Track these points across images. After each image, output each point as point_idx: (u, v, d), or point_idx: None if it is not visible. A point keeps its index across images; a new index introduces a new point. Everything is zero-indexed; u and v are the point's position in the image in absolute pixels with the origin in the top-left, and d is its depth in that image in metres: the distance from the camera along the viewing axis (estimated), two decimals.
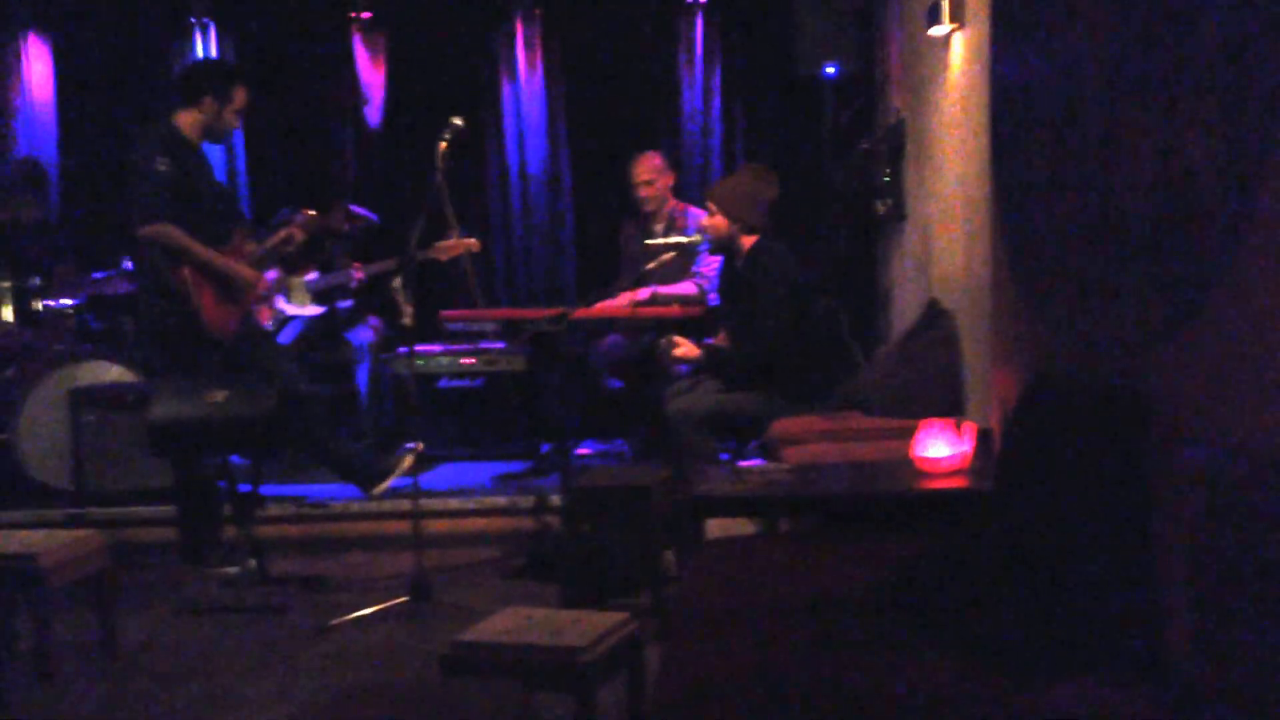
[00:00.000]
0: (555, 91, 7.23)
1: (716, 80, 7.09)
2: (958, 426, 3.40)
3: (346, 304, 6.48)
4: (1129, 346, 2.34)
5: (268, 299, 5.50)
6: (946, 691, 2.05)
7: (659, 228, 6.18)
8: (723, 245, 5.08)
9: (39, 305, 6.00)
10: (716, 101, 7.10)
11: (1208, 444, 2.02)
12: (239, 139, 7.11)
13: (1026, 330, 3.09)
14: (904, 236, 5.59)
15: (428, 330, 5.99)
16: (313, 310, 6.43)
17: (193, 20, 7.23)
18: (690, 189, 6.67)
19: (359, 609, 4.24)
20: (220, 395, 4.54)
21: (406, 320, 4.39)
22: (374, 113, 7.30)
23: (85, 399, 5.61)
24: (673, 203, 6.26)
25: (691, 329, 5.58)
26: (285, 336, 6.32)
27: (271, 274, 5.54)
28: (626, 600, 4.21)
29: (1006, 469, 2.59)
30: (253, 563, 4.65)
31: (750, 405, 4.80)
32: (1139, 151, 2.28)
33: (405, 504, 5.07)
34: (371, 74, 7.29)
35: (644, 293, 5.85)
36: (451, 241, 5.63)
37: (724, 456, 5.18)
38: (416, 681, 3.47)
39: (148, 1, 7.21)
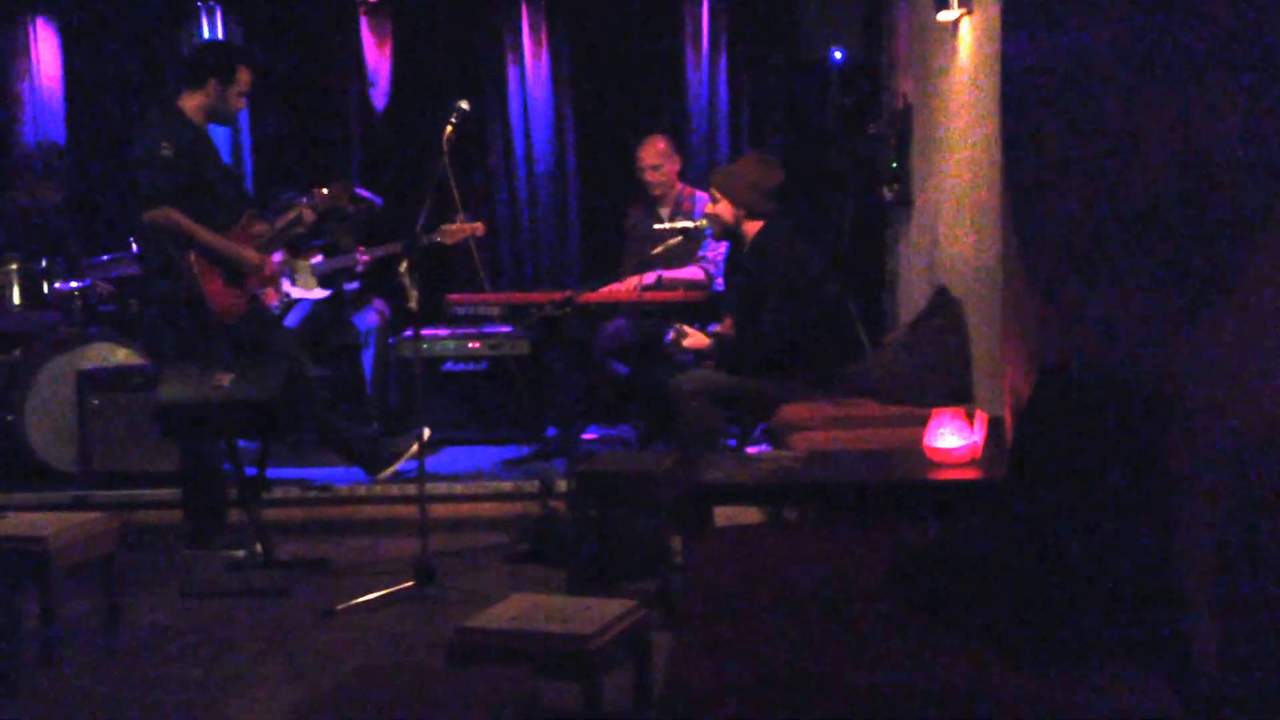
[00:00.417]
0: (561, 75, 7.20)
1: (722, 64, 7.05)
2: (969, 415, 3.39)
3: (352, 287, 6.47)
4: (1146, 334, 2.32)
5: (274, 281, 5.49)
6: (961, 683, 2.04)
7: (665, 212, 6.16)
8: (727, 232, 5.07)
9: (46, 287, 5.99)
10: (722, 86, 7.06)
11: (1231, 434, 2.01)
12: (244, 121, 7.09)
13: (1038, 318, 3.07)
14: (910, 222, 5.57)
15: (433, 314, 5.98)
16: (318, 293, 6.42)
17: (199, 3, 7.20)
18: (696, 173, 6.64)
19: (364, 593, 4.23)
20: (227, 378, 4.54)
21: (412, 304, 4.38)
22: (379, 96, 7.27)
23: (92, 381, 5.61)
24: (679, 187, 6.24)
25: (697, 314, 5.58)
26: (291, 320, 6.31)
27: (277, 257, 5.53)
28: (632, 586, 4.21)
29: (1020, 458, 2.58)
30: (258, 546, 4.65)
31: (757, 391, 4.79)
32: (1156, 135, 2.26)
33: (410, 488, 5.07)
34: (377, 57, 7.26)
35: (650, 277, 5.83)
36: (457, 225, 5.62)
37: (731, 443, 5.17)
38: (423, 667, 3.47)
39: None
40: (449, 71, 7.13)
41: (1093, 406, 2.37)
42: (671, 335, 5.10)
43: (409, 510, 4.84)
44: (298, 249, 6.20)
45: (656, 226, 5.66)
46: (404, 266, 4.39)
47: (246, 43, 7.14)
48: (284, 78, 7.12)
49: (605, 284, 5.57)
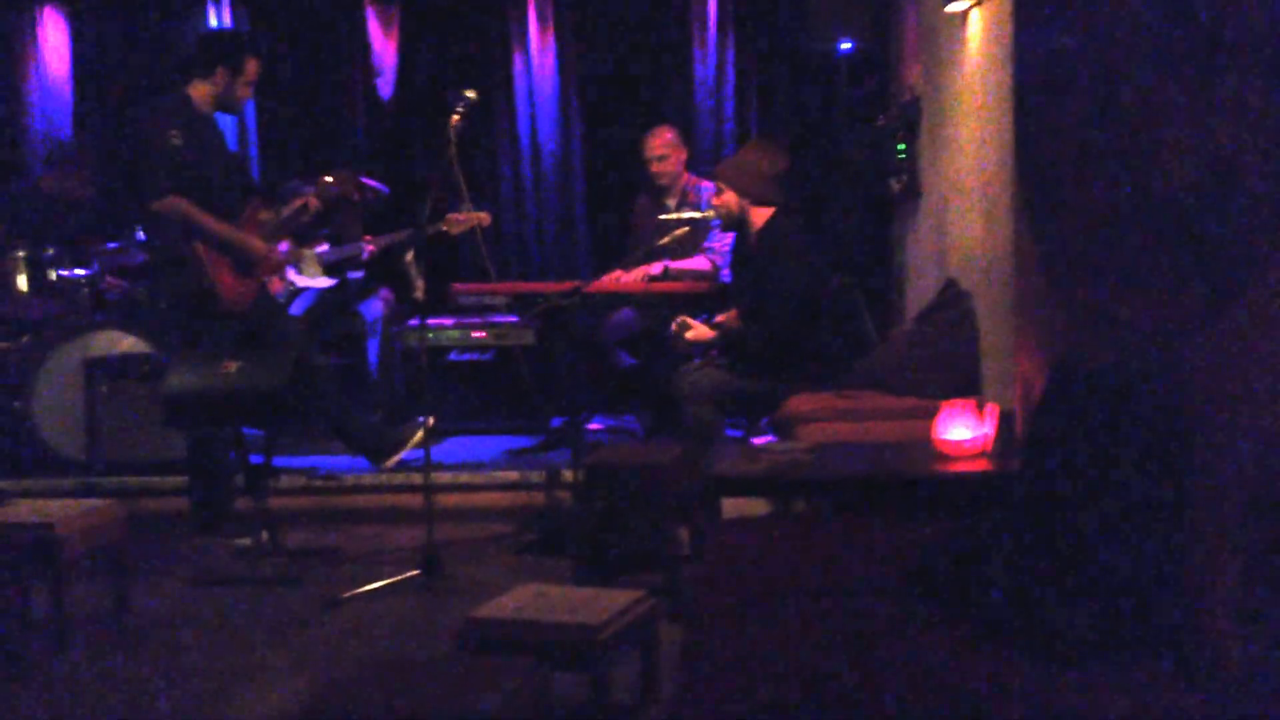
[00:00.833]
0: (568, 64, 7.19)
1: (730, 55, 7.03)
2: (979, 408, 3.38)
3: (357, 276, 6.46)
4: (1163, 331, 2.31)
5: (279, 270, 5.48)
6: (977, 678, 2.04)
7: (672, 202, 6.15)
8: (734, 222, 5.05)
9: (53, 275, 5.99)
10: (729, 76, 7.04)
11: (1252, 431, 2.00)
12: (250, 110, 7.07)
13: (1051, 312, 3.06)
14: (918, 214, 5.56)
15: (438, 303, 5.97)
16: (324, 282, 6.41)
17: None
18: (703, 164, 6.62)
19: (371, 582, 4.24)
20: (234, 367, 4.54)
21: (418, 293, 4.38)
22: (385, 85, 7.26)
23: (100, 369, 5.61)
24: (686, 177, 6.23)
25: (703, 305, 5.56)
26: (296, 308, 6.31)
27: (283, 246, 5.53)
28: (639, 577, 4.21)
29: (1033, 454, 2.57)
30: (265, 534, 4.65)
31: (763, 382, 4.79)
32: (1176, 130, 2.24)
33: (416, 477, 5.07)
34: (383, 46, 7.24)
35: (656, 267, 5.82)
36: (463, 215, 5.61)
37: (736, 434, 5.17)
38: (431, 656, 3.47)
39: None
40: (455, 61, 7.12)
41: (1108, 401, 2.36)
42: (674, 328, 5.09)
43: (415, 500, 4.83)
44: (303, 238, 6.19)
45: (662, 217, 5.64)
46: (410, 256, 4.39)
47: (253, 32, 7.13)
48: (290, 66, 7.11)
49: (609, 272, 5.56)
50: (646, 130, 6.28)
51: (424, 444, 4.44)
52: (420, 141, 6.99)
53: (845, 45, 5.88)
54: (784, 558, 2.79)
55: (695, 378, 4.87)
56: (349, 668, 3.50)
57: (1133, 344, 2.49)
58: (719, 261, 5.93)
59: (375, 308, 6.42)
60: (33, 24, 7.19)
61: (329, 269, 6.40)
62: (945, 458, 3.33)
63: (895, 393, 4.39)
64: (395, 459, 5.24)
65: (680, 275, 5.84)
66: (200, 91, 4.98)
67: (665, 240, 5.24)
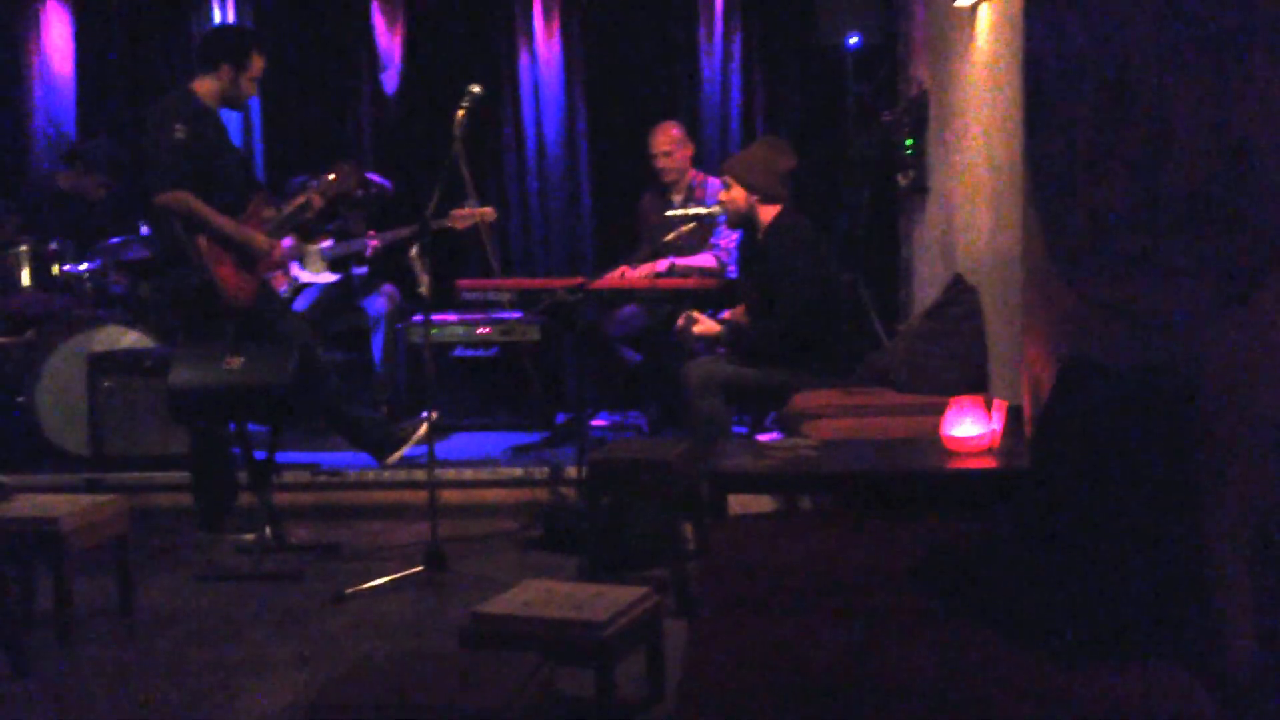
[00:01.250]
0: (573, 59, 7.16)
1: (736, 49, 7.01)
2: (987, 404, 3.36)
3: (361, 271, 6.45)
4: (1176, 326, 2.29)
5: (283, 266, 5.47)
6: (984, 676, 2.02)
7: (678, 199, 6.13)
8: (741, 219, 5.03)
9: (57, 269, 5.99)
10: (736, 71, 7.02)
11: (1268, 427, 1.97)
12: (255, 105, 7.07)
13: (1061, 308, 3.03)
14: (926, 210, 5.54)
15: (443, 299, 5.96)
16: (327, 278, 6.40)
17: None
18: (709, 160, 6.60)
19: (375, 578, 4.23)
20: (238, 362, 4.53)
21: (423, 289, 4.36)
22: (391, 80, 7.24)
23: (103, 364, 5.60)
24: (692, 173, 6.21)
25: (709, 301, 5.54)
26: (299, 304, 6.30)
27: (287, 241, 5.51)
28: (645, 573, 4.20)
29: (1044, 449, 2.55)
30: (268, 530, 4.64)
31: (769, 378, 4.77)
32: (1190, 122, 2.21)
33: (420, 473, 5.06)
34: (388, 41, 7.23)
35: (662, 264, 5.80)
36: (467, 210, 5.59)
37: (741, 430, 5.15)
38: (435, 652, 3.45)
39: None
40: (460, 56, 7.10)
41: (1120, 397, 2.34)
42: (681, 322, 5.07)
43: (419, 496, 4.83)
44: (307, 233, 6.18)
45: (668, 213, 5.62)
46: (414, 251, 4.37)
47: (259, 27, 7.11)
48: (295, 61, 7.09)
49: (615, 268, 5.54)
50: (652, 126, 6.26)
51: (428, 440, 4.43)
52: (425, 137, 6.97)
53: (853, 40, 5.85)
54: (790, 554, 2.77)
55: (702, 373, 4.85)
56: (355, 662, 3.48)
57: (1145, 339, 2.46)
58: (725, 258, 5.91)
59: (379, 303, 6.41)
60: (36, 19, 7.18)
61: (333, 264, 6.39)
62: (953, 454, 3.30)
63: (902, 389, 4.37)
64: (398, 455, 5.22)
65: (687, 272, 5.82)
66: (205, 87, 4.98)
67: (671, 236, 5.22)
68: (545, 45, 7.15)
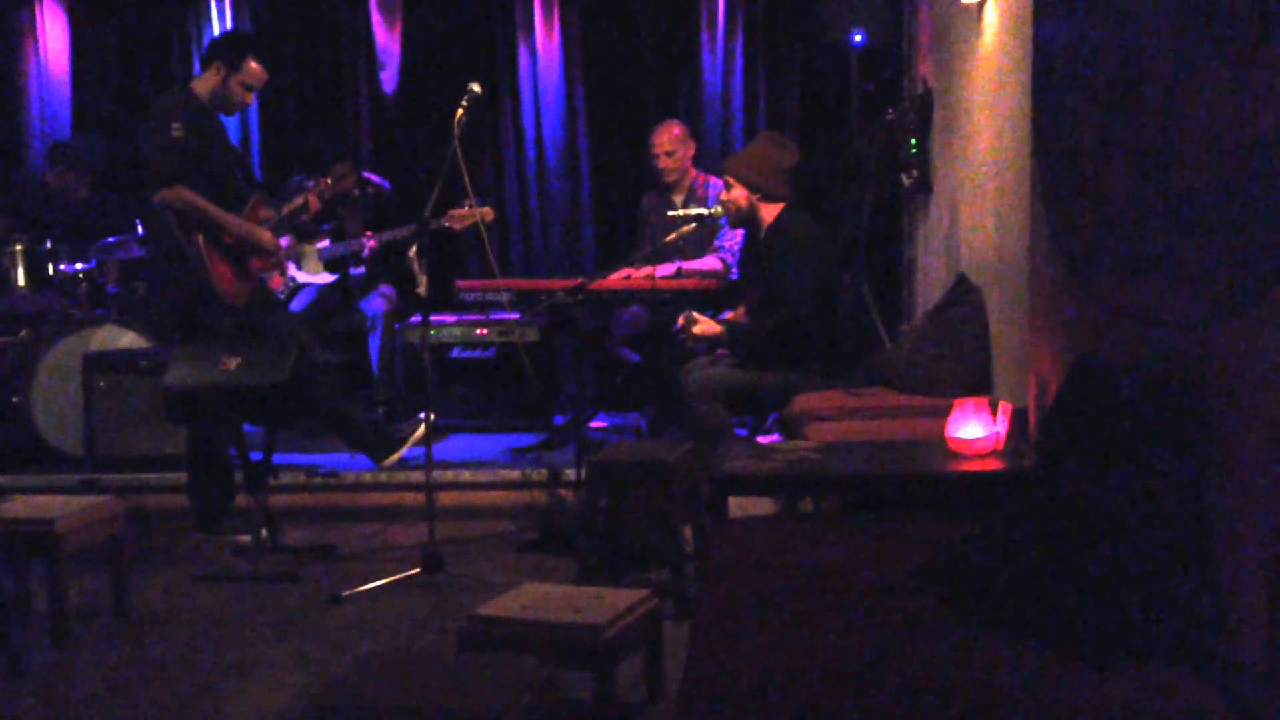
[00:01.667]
0: (573, 57, 7.13)
1: (739, 46, 6.96)
2: (992, 406, 3.32)
3: (359, 272, 6.42)
4: (1188, 327, 2.25)
5: (280, 265, 5.43)
6: (989, 678, 1.99)
7: (679, 199, 6.09)
8: (743, 218, 4.99)
9: (52, 269, 5.96)
10: (738, 68, 6.97)
11: (1274, 432, 1.94)
12: (252, 103, 7.02)
13: (1070, 307, 3.00)
14: (930, 209, 5.50)
15: (441, 300, 5.92)
16: (325, 278, 6.37)
17: None
18: (711, 159, 6.56)
19: (372, 580, 4.20)
20: (234, 362, 4.51)
21: (421, 289, 4.33)
22: (389, 78, 7.21)
23: (98, 364, 5.57)
24: (694, 173, 6.17)
25: (711, 302, 5.51)
26: (296, 304, 6.27)
27: (284, 241, 5.48)
28: (643, 576, 4.17)
29: (1050, 451, 2.52)
30: (264, 531, 4.61)
31: (770, 379, 4.73)
32: (1206, 119, 2.18)
33: (417, 475, 5.03)
34: (387, 38, 7.19)
35: (669, 268, 5.77)
36: (466, 210, 5.56)
37: (741, 432, 5.11)
38: (433, 655, 3.43)
39: None
40: (459, 54, 7.07)
41: (1129, 399, 2.30)
42: (680, 321, 5.03)
43: (416, 497, 4.80)
44: (304, 233, 6.15)
45: (670, 214, 5.58)
46: (413, 251, 4.35)
47: (256, 25, 7.09)
48: (293, 59, 7.06)
49: (615, 268, 5.50)
50: (653, 125, 6.22)
51: (425, 441, 4.40)
52: (424, 136, 6.93)
53: (858, 37, 5.80)
54: (791, 557, 2.74)
55: (702, 374, 4.82)
56: (347, 666, 3.46)
57: (1155, 339, 2.43)
58: (730, 261, 5.87)
59: (376, 304, 6.38)
60: (32, 18, 7.15)
61: (330, 265, 6.36)
62: (957, 456, 3.27)
63: (904, 390, 4.34)
64: (395, 457, 5.20)
65: (694, 276, 5.78)
66: (202, 86, 4.98)
67: (672, 237, 5.18)
68: (545, 43, 7.11)
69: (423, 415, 4.64)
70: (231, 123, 6.75)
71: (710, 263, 5.88)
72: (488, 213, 5.70)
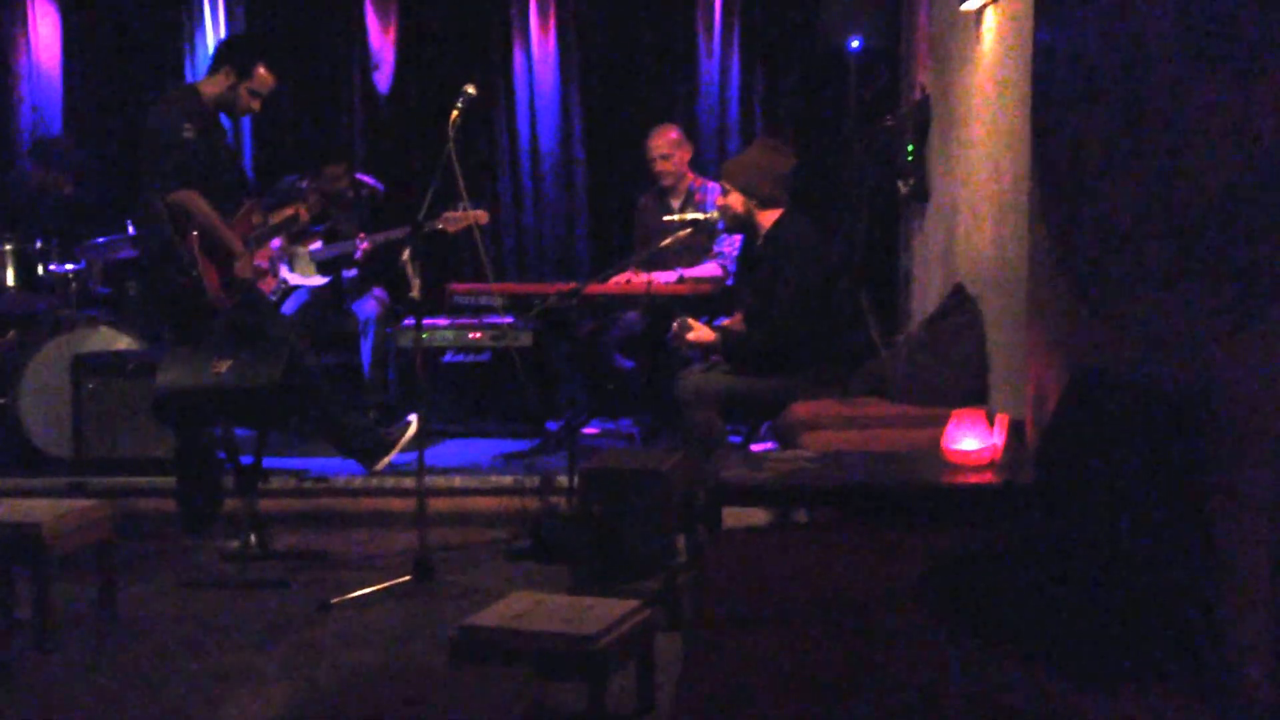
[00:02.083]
0: (569, 60, 7.10)
1: (735, 50, 6.94)
2: (989, 418, 3.29)
3: (351, 274, 6.38)
4: (1192, 341, 2.22)
5: (262, 276, 5.38)
6: (984, 694, 1.97)
7: (676, 203, 6.06)
8: (740, 224, 4.96)
9: (41, 269, 5.92)
10: (735, 72, 6.95)
11: (1275, 448, 1.91)
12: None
13: (1069, 319, 2.97)
14: (926, 217, 5.48)
15: (434, 303, 5.89)
16: (316, 280, 6.33)
17: None
18: (707, 164, 6.54)
19: (362, 587, 4.16)
20: (225, 365, 4.47)
21: (414, 293, 4.30)
22: (383, 79, 7.18)
23: (87, 366, 5.52)
24: (691, 177, 6.14)
25: (706, 308, 5.48)
26: (288, 307, 6.23)
27: (275, 242, 5.45)
28: (636, 585, 4.13)
29: (1049, 466, 2.49)
30: (254, 536, 4.57)
31: (765, 388, 4.70)
32: (1210, 129, 2.16)
33: (409, 480, 5.00)
34: (381, 39, 7.16)
35: (670, 275, 5.74)
36: (459, 213, 5.53)
37: (736, 439, 5.08)
38: (422, 665, 3.40)
39: None
40: (454, 55, 7.04)
41: (1129, 413, 2.28)
42: (675, 327, 5.00)
43: (407, 503, 4.77)
44: (297, 235, 6.11)
45: (666, 218, 5.55)
46: (406, 254, 4.31)
47: (250, 24, 7.05)
48: (286, 59, 7.01)
49: (612, 271, 5.47)
50: (649, 128, 6.19)
51: (416, 446, 4.36)
52: (418, 137, 6.90)
53: (856, 43, 5.78)
54: (786, 569, 2.73)
55: (697, 382, 4.79)
56: (338, 675, 3.43)
57: (1157, 353, 2.40)
58: (730, 267, 5.84)
59: (368, 306, 6.34)
60: (23, 14, 7.11)
61: (322, 267, 6.32)
62: (953, 468, 3.24)
63: (900, 400, 4.32)
64: (385, 461, 5.15)
65: (695, 283, 5.75)
66: (208, 89, 4.96)
67: (668, 242, 5.15)
68: (541, 45, 7.08)
69: (411, 418, 4.62)
70: (223, 121, 6.72)
71: (711, 269, 5.85)
72: (482, 215, 5.67)
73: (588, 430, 6.22)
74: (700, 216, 5.23)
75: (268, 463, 4.95)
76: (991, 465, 3.23)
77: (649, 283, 5.59)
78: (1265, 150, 1.95)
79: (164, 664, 3.61)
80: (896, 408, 4.26)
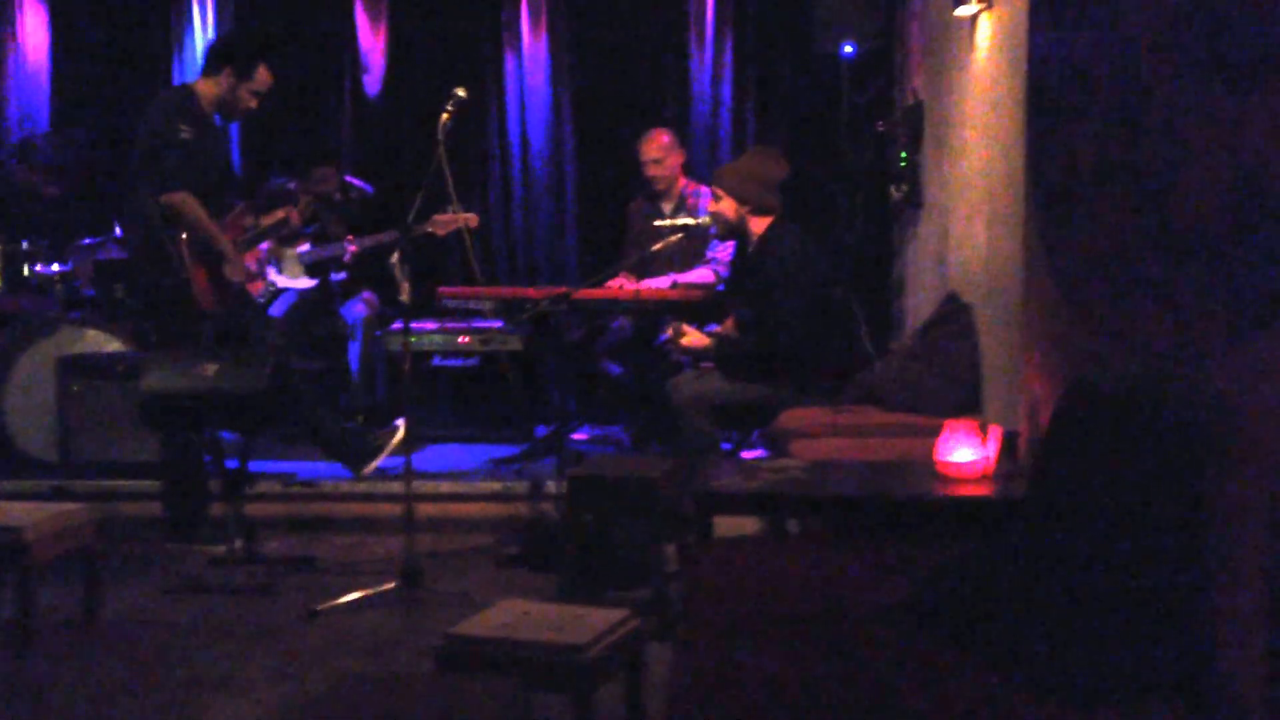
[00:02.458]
0: (560, 63, 7.07)
1: (728, 55, 6.91)
2: (982, 429, 3.27)
3: (340, 277, 6.35)
4: (1186, 353, 2.21)
5: (259, 275, 5.36)
6: (974, 710, 1.94)
7: (668, 207, 6.03)
8: (731, 230, 4.95)
9: (28, 270, 5.87)
10: (727, 77, 6.92)
11: (1271, 462, 1.90)
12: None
13: (1065, 329, 2.95)
14: (920, 224, 5.47)
15: (423, 307, 5.86)
16: (305, 283, 6.30)
17: None
18: (699, 169, 6.50)
19: (348, 593, 4.14)
20: (212, 369, 4.44)
21: (404, 296, 4.27)
22: (373, 81, 7.14)
23: (73, 368, 5.48)
24: (684, 182, 6.11)
25: (697, 314, 5.45)
26: (276, 309, 6.20)
27: (263, 245, 5.41)
28: (625, 594, 4.10)
29: (1044, 476, 2.47)
30: (240, 541, 4.54)
31: (757, 394, 4.68)
32: (1204, 139, 2.14)
33: (396, 486, 4.95)
34: (371, 41, 7.13)
35: (663, 281, 5.72)
36: (449, 216, 5.50)
37: (726, 446, 5.06)
38: (408, 673, 3.37)
39: None
40: (445, 58, 7.01)
41: (1125, 425, 2.26)
42: (668, 334, 4.98)
43: (394, 509, 4.72)
44: (285, 237, 6.08)
45: (657, 223, 5.52)
46: (395, 257, 4.29)
47: (240, 24, 7.01)
48: (276, 60, 6.97)
49: (604, 276, 5.45)
50: (640, 133, 6.16)
51: (404, 451, 4.33)
52: (408, 140, 6.87)
53: (849, 48, 5.76)
54: (777, 579, 2.71)
55: (688, 389, 4.76)
56: (324, 682, 3.40)
57: (1151, 366, 2.38)
58: (722, 272, 5.82)
59: (357, 310, 6.31)
60: (12, 13, 7.06)
61: (310, 269, 6.29)
62: (946, 480, 3.22)
63: (892, 408, 4.30)
64: (372, 466, 5.11)
65: (688, 289, 5.73)
66: (205, 89, 4.91)
67: (659, 247, 5.13)
68: (532, 48, 7.05)
69: (398, 422, 4.59)
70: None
71: (703, 275, 5.83)
72: (472, 219, 5.64)
73: (577, 436, 6.20)
74: (692, 221, 5.21)
75: (254, 467, 4.93)
76: (984, 478, 3.21)
77: (636, 292, 5.56)
78: (1260, 160, 1.94)
79: (148, 670, 3.58)
80: (888, 416, 4.24)
